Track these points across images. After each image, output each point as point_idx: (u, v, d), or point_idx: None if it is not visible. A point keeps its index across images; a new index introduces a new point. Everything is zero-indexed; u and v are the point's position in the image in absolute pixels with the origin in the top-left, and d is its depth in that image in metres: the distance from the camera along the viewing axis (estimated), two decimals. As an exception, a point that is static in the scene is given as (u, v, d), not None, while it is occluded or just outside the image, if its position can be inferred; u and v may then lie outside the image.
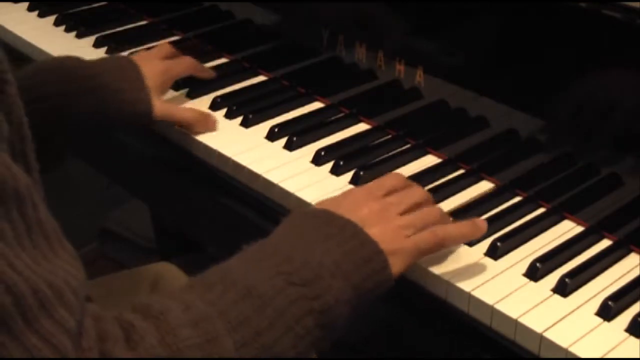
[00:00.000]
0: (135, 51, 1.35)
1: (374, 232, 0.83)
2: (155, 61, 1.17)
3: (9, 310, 0.59)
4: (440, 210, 0.93)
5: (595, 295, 0.88)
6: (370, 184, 0.93)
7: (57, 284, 0.61)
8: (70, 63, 1.10)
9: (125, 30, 1.45)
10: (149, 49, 1.36)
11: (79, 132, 1.08)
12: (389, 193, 0.90)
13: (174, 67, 1.18)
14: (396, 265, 0.83)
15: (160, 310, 0.69)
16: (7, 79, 0.68)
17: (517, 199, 1.03)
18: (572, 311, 0.86)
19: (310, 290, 0.76)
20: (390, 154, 1.11)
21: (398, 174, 0.96)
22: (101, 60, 1.14)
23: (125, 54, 1.33)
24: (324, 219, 0.83)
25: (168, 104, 1.15)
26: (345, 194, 0.91)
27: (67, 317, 0.61)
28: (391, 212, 0.87)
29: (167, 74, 1.16)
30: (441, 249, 0.89)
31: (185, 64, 1.20)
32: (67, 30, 1.43)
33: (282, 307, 0.74)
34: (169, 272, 1.18)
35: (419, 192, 0.93)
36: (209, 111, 1.19)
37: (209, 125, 1.14)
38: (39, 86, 1.04)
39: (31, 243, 0.62)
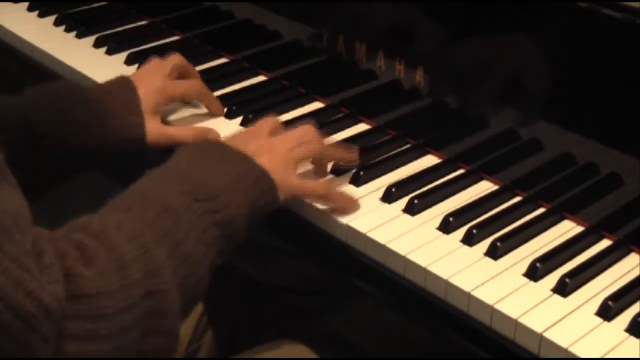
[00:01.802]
0: (136, 51, 1.35)
1: (262, 161, 0.93)
2: (155, 79, 1.13)
3: None
4: (319, 140, 1.01)
5: (595, 295, 0.88)
6: (255, 126, 1.02)
7: (9, 211, 0.66)
8: (66, 90, 1.08)
9: (125, 30, 1.45)
10: (149, 49, 1.37)
11: (71, 161, 1.06)
12: (272, 133, 1.00)
13: (172, 88, 1.14)
14: (282, 190, 0.94)
15: (100, 229, 0.76)
16: None
17: (517, 199, 1.03)
18: (572, 311, 0.86)
19: (213, 205, 0.85)
20: (390, 154, 1.11)
21: (275, 118, 1.04)
22: (98, 85, 1.12)
23: (127, 53, 1.34)
24: (217, 149, 0.93)
25: (165, 128, 1.11)
26: (233, 135, 1.01)
27: (23, 240, 0.67)
28: (277, 146, 0.97)
29: (164, 94, 1.12)
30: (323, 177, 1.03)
31: (186, 86, 1.16)
32: (67, 30, 1.43)
33: (192, 220, 0.83)
34: None
35: (301, 130, 1.01)
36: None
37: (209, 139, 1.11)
38: (32, 113, 1.03)
39: None
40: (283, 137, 0.99)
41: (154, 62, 1.17)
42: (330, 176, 1.05)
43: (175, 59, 1.17)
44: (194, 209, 0.84)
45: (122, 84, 1.10)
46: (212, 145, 0.96)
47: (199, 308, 1.17)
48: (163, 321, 0.76)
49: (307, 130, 1.01)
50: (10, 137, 1.00)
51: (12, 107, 1.04)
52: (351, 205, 0.99)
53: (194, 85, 1.17)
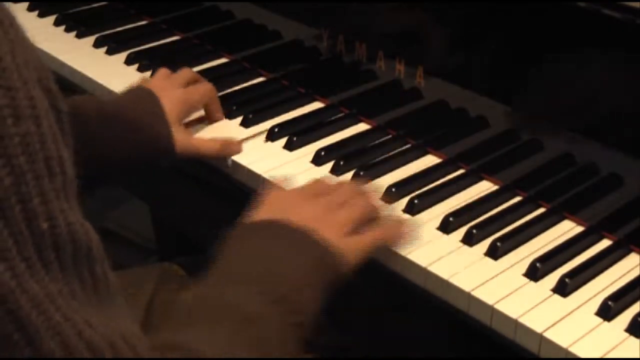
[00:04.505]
0: (136, 51, 1.35)
1: (324, 233, 0.84)
2: (175, 90, 1.11)
3: None
4: (370, 204, 0.93)
5: (595, 295, 0.88)
6: (301, 187, 0.96)
7: (127, 336, 0.63)
8: (89, 106, 1.05)
9: (125, 30, 1.45)
10: (149, 49, 1.37)
11: (99, 172, 1.03)
12: (319, 195, 0.92)
13: (193, 96, 1.12)
14: (350, 260, 0.85)
15: (196, 348, 0.69)
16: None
17: (517, 199, 1.03)
18: (572, 311, 0.86)
19: (289, 306, 0.77)
20: (390, 154, 1.11)
21: (322, 180, 0.97)
22: (121, 97, 1.10)
23: (127, 53, 1.33)
24: (283, 230, 0.84)
25: (189, 138, 1.09)
26: (282, 197, 0.92)
27: None
28: (332, 210, 0.89)
29: (187, 104, 1.11)
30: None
31: (202, 91, 1.14)
32: (67, 30, 1.43)
33: (277, 325, 0.76)
34: (172, 273, 1.18)
35: (346, 189, 0.94)
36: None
37: (234, 150, 1.10)
38: None
39: (98, 299, 0.64)
40: (330, 200, 0.91)
41: (165, 74, 1.15)
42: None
43: (186, 74, 1.16)
44: (279, 312, 0.76)
45: (144, 96, 1.08)
46: (273, 225, 0.86)
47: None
48: None
49: (350, 189, 0.94)
50: None
51: None
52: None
53: (207, 88, 1.15)
